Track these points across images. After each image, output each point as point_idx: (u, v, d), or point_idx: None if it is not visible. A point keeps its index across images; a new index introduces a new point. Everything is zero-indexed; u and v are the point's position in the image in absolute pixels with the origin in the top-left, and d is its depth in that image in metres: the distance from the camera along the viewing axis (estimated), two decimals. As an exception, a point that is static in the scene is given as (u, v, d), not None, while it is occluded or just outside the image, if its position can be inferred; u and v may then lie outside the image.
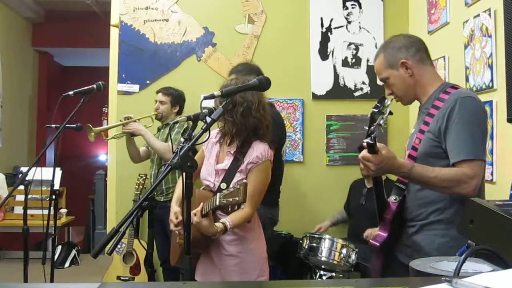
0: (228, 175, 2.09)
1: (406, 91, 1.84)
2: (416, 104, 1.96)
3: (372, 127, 1.54)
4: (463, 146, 1.64)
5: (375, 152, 1.57)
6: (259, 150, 2.08)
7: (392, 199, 1.83)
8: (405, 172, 1.64)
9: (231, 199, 1.81)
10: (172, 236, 2.43)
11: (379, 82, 3.93)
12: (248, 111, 2.07)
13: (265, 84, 2.01)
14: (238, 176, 2.06)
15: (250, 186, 2.02)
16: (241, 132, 2.08)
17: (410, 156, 1.79)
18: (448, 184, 1.63)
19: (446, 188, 1.65)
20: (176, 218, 2.14)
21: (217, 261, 2.15)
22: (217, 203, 1.88)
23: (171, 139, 3.28)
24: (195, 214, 1.93)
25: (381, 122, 1.52)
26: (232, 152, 2.12)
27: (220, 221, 2.00)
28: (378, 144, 1.57)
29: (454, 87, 1.79)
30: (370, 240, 1.85)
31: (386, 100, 1.57)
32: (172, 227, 2.19)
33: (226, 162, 2.12)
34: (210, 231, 1.95)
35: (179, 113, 3.59)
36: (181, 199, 2.24)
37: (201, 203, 1.98)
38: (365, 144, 1.56)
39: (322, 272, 3.02)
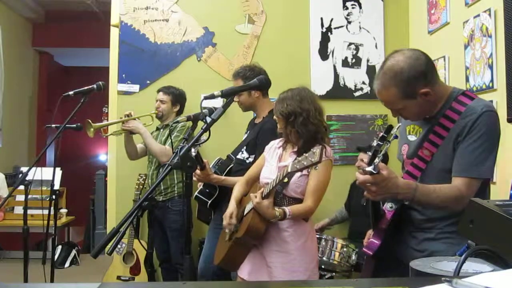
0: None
1: (421, 114, 1.72)
2: None
3: (376, 158, 1.45)
4: (472, 163, 1.58)
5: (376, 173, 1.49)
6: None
7: (388, 207, 1.75)
8: (408, 192, 1.56)
9: (305, 163, 1.85)
10: (220, 234, 2.45)
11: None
12: (307, 119, 2.17)
13: (265, 84, 2.03)
14: (300, 173, 2.07)
15: (313, 182, 2.12)
16: (302, 138, 2.17)
17: (414, 165, 1.70)
18: (446, 204, 1.59)
19: (444, 207, 1.62)
20: (231, 218, 2.20)
21: (268, 258, 2.16)
22: (289, 170, 1.92)
23: (171, 142, 3.24)
24: (255, 196, 2.01)
25: (385, 151, 1.46)
26: (295, 150, 2.21)
27: (280, 207, 2.07)
28: (380, 164, 1.48)
29: (466, 94, 1.68)
30: (363, 249, 1.78)
31: (393, 129, 1.47)
32: (225, 223, 2.23)
33: (289, 160, 2.17)
34: (268, 212, 2.01)
35: (180, 112, 3.58)
36: (240, 199, 2.32)
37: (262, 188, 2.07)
38: (367, 170, 1.47)
39: (322, 272, 3.02)
